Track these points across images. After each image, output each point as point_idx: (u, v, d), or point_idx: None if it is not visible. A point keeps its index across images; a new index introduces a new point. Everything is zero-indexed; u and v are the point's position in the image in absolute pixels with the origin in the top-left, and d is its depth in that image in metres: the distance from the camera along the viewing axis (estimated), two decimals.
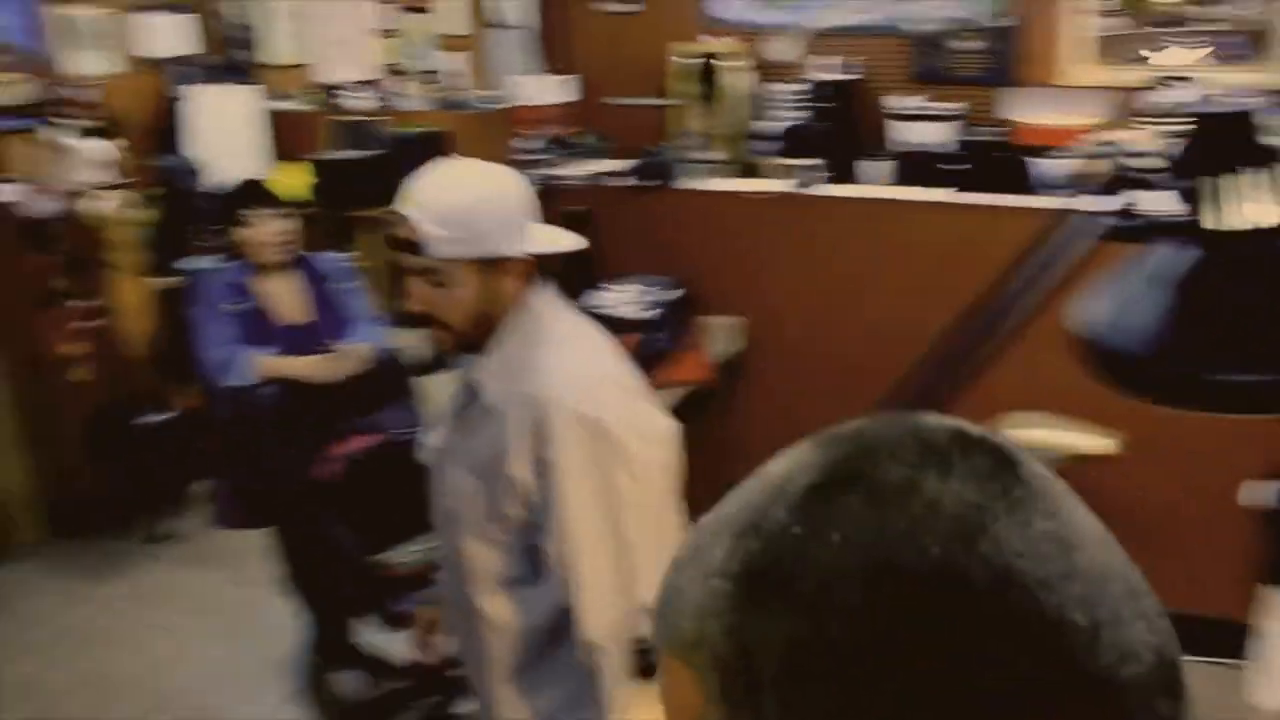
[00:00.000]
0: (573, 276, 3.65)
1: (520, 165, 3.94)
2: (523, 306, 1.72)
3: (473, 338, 1.73)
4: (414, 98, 7.17)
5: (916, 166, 3.81)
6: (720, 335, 3.62)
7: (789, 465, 0.57)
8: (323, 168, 6.34)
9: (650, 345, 3.42)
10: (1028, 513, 0.52)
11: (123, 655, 3.90)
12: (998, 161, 3.69)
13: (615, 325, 3.40)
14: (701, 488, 3.84)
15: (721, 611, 0.53)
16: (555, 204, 3.78)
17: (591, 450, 1.61)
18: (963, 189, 3.64)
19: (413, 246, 1.66)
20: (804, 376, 3.58)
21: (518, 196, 1.72)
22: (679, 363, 3.47)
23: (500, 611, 1.70)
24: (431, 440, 1.95)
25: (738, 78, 4.55)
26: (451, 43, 8.93)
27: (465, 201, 1.66)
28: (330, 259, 3.50)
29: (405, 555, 3.19)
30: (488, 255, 1.67)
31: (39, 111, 5.33)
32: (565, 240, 1.80)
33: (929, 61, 4.23)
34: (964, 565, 0.50)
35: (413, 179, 1.70)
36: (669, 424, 1.75)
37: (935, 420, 0.56)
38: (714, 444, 3.77)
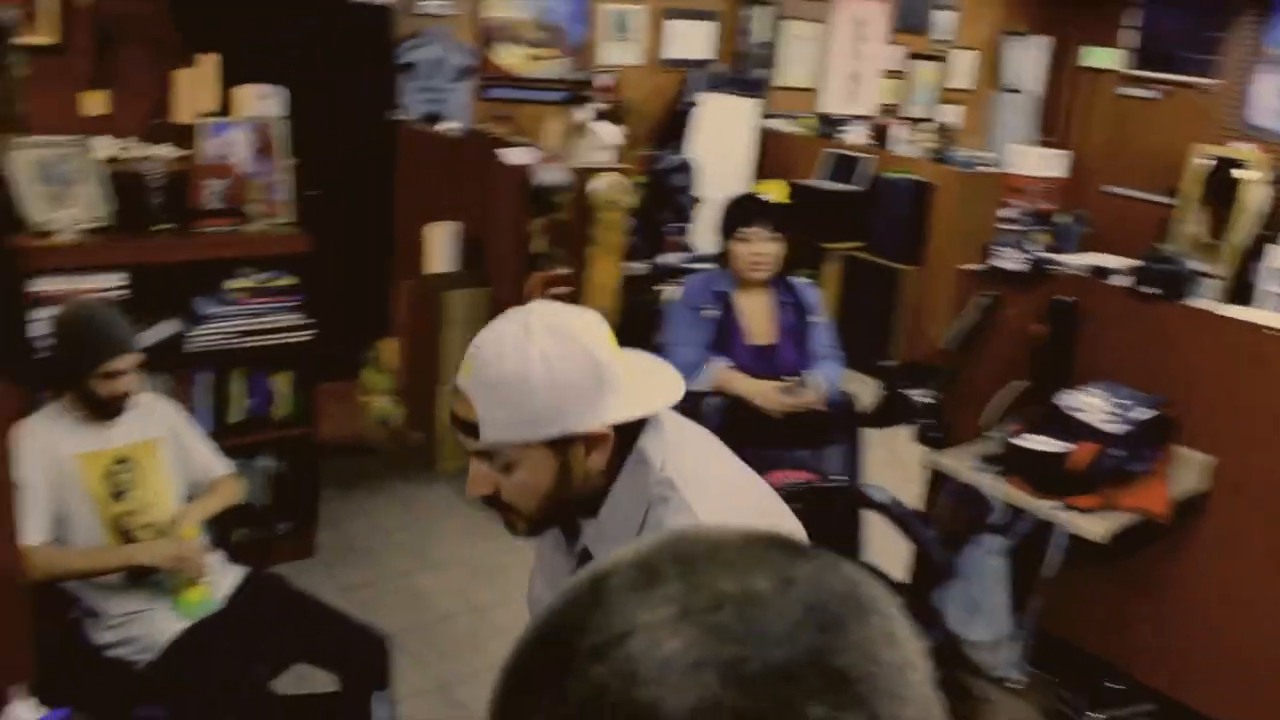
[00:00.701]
0: (1046, 370, 3.48)
1: (1003, 235, 3.82)
2: (628, 465, 1.47)
3: (553, 518, 1.51)
4: (906, 143, 7.17)
5: None
6: (1189, 470, 3.33)
7: None
8: (801, 193, 6.47)
9: (1107, 460, 3.20)
10: None
11: (516, 594, 4.16)
12: None
13: (1077, 430, 3.23)
14: (1137, 627, 3.55)
15: None
16: (1041, 286, 3.64)
17: None
18: None
19: (469, 427, 1.41)
20: (1276, 535, 3.22)
21: (589, 364, 1.40)
22: (1135, 488, 3.23)
23: None
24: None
25: (1256, 191, 4.16)
26: (953, 96, 8.89)
27: (523, 377, 1.37)
28: (807, 287, 3.54)
29: None
30: (554, 437, 1.41)
31: (567, 89, 5.80)
32: (658, 399, 1.48)
33: None
34: None
35: (477, 344, 1.43)
36: None
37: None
38: (1156, 585, 3.49)
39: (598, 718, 0.58)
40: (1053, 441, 3.27)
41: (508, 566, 4.39)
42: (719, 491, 1.47)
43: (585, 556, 1.51)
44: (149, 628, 2.65)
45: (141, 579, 2.68)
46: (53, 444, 2.62)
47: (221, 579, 2.82)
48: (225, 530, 2.83)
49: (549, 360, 1.38)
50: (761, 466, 3.30)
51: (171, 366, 3.77)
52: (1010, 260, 3.75)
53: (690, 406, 3.28)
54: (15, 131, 3.47)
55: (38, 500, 2.55)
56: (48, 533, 2.58)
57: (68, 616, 2.67)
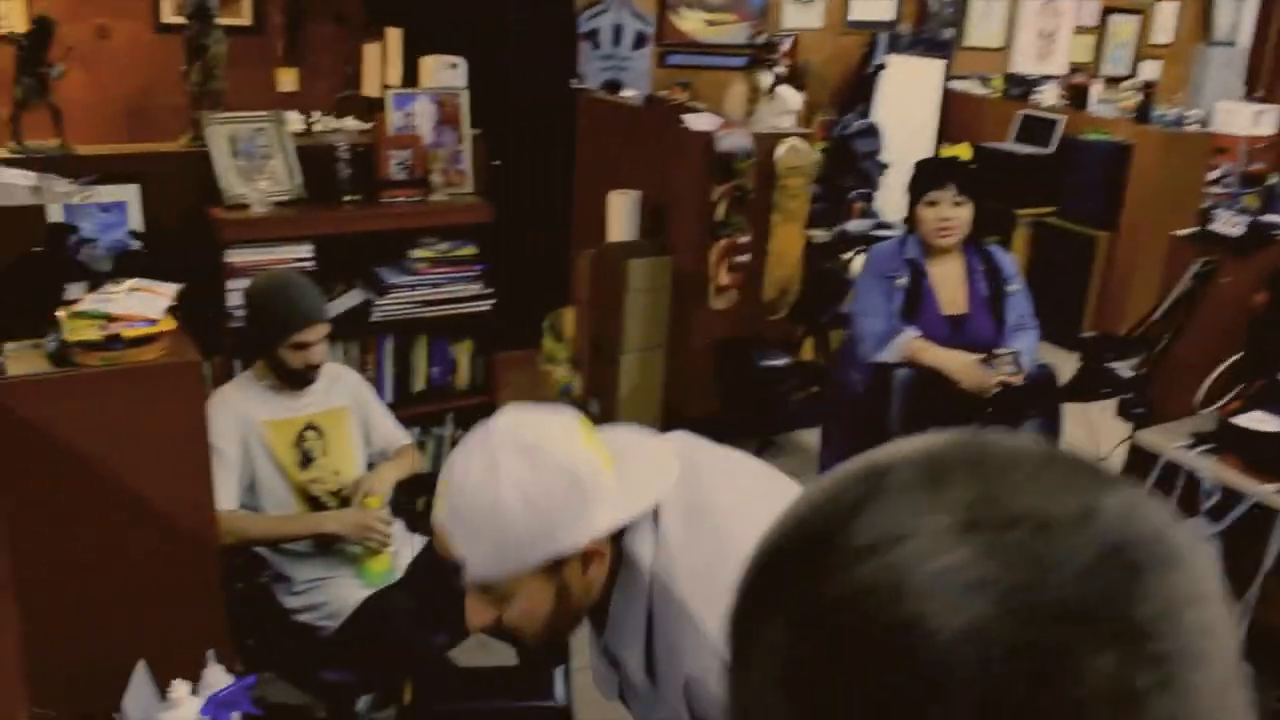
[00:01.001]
0: (1266, 343, 3.21)
1: (1214, 198, 3.53)
2: (621, 571, 1.37)
3: (563, 634, 1.42)
4: (1101, 103, 6.77)
5: None
6: None
7: None
8: (988, 156, 6.19)
9: None
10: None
11: None
12: None
13: None
14: None
15: None
16: (1260, 252, 3.35)
17: None
18: None
19: (456, 565, 1.32)
20: None
21: (566, 480, 1.28)
22: None
23: None
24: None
25: None
26: (1153, 51, 8.36)
27: (497, 509, 1.26)
28: (1002, 253, 3.35)
29: None
30: (544, 563, 1.31)
31: (748, 54, 5.67)
32: (649, 493, 1.35)
33: None
34: None
35: (448, 468, 1.33)
36: None
37: None
38: None
39: (850, 626, 0.52)
40: (1273, 419, 3.01)
41: None
42: (719, 561, 1.28)
43: (611, 656, 1.44)
44: (334, 594, 2.69)
45: (327, 547, 2.73)
46: (245, 412, 2.69)
47: (403, 548, 2.85)
48: (407, 499, 2.85)
49: (522, 486, 1.27)
50: None
51: (357, 335, 3.84)
52: (1227, 224, 3.47)
53: (880, 379, 3.19)
54: (214, 107, 3.57)
55: (230, 467, 2.61)
56: (239, 499, 2.64)
57: (258, 581, 2.74)
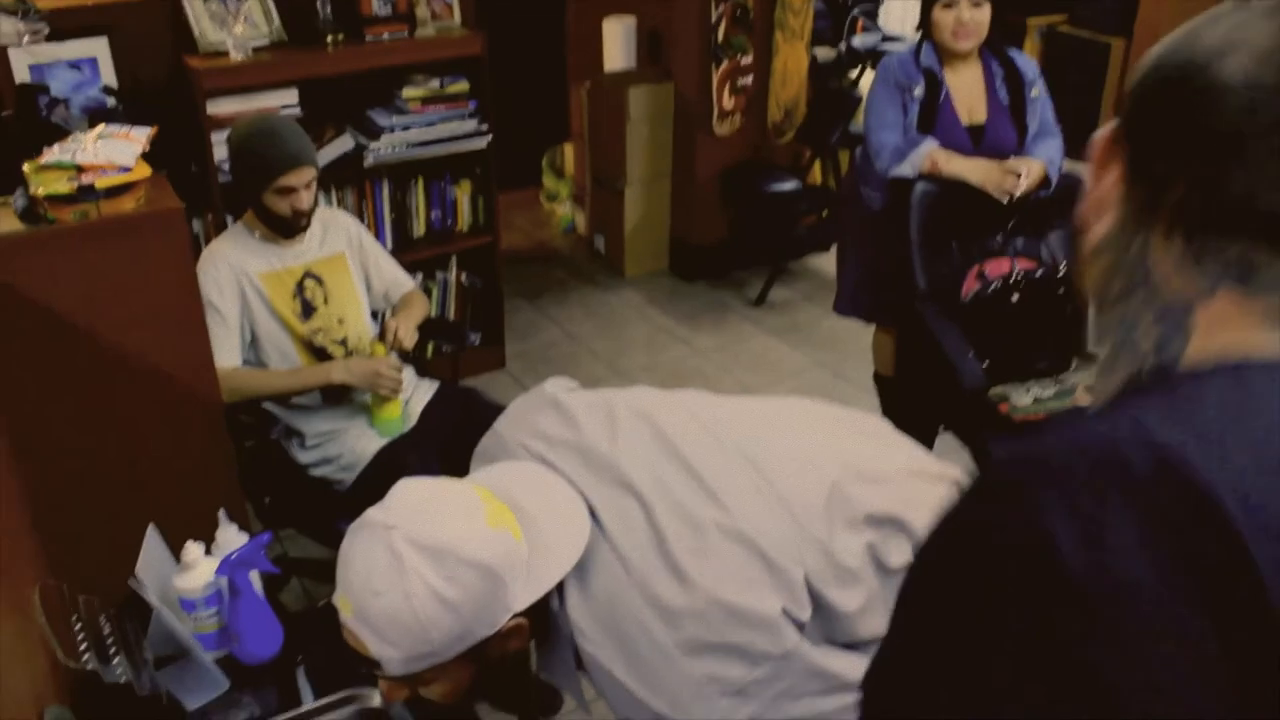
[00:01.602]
0: None
1: None
2: (541, 621, 1.32)
3: (480, 698, 1.40)
4: None
5: None
6: None
7: None
8: None
9: None
10: None
11: None
12: None
13: None
14: None
15: None
16: None
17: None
18: None
19: (370, 662, 1.25)
20: None
21: (480, 574, 1.21)
22: None
23: None
24: None
25: None
26: None
27: (411, 616, 1.19)
28: (1023, 58, 3.17)
29: (1025, 398, 2.95)
30: (463, 651, 1.25)
31: None
32: (567, 553, 1.29)
33: None
34: None
35: (345, 567, 1.23)
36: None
37: None
38: None
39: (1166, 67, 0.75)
40: None
41: (701, 370, 4.29)
42: (615, 611, 1.28)
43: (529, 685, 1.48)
44: (347, 446, 2.64)
45: (338, 399, 2.66)
46: (239, 265, 2.58)
47: (415, 395, 2.79)
48: (416, 345, 2.77)
49: (435, 591, 1.19)
50: (977, 256, 3.07)
51: (351, 182, 3.71)
52: None
53: (898, 195, 3.05)
54: None
55: (228, 323, 2.53)
56: (241, 356, 2.57)
57: (270, 438, 2.68)
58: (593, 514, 1.35)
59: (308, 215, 2.61)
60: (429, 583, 1.19)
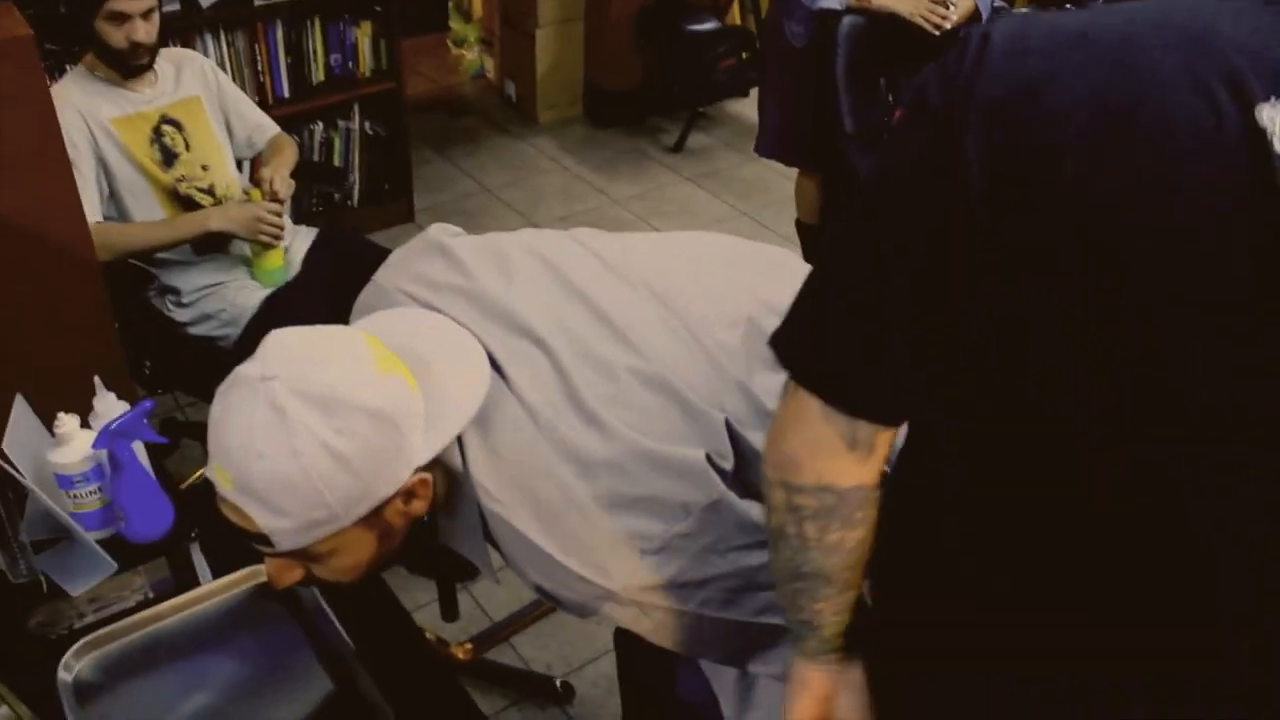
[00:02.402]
0: None
1: None
2: (441, 481, 1.20)
3: (382, 569, 1.25)
4: None
5: None
6: None
7: None
8: None
9: None
10: None
11: None
12: None
13: None
14: None
15: None
16: None
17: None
18: None
19: (255, 536, 1.11)
20: None
21: (376, 423, 1.07)
22: None
23: None
24: None
25: None
26: None
27: (302, 476, 1.05)
28: None
29: None
30: (364, 515, 1.12)
31: None
32: (468, 400, 1.16)
33: None
34: None
35: (219, 431, 1.08)
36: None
37: None
38: None
39: None
40: None
41: (620, 220, 4.15)
42: (524, 467, 1.15)
43: (446, 551, 1.31)
44: (227, 300, 2.47)
45: (213, 251, 2.48)
46: (88, 110, 2.35)
47: (295, 243, 2.62)
48: (298, 191, 2.58)
49: (326, 445, 1.05)
50: (906, 94, 2.94)
51: (241, 23, 3.44)
52: None
53: (824, 31, 2.89)
54: None
55: (84, 174, 2.30)
56: (102, 211, 2.36)
57: (146, 298, 2.50)
58: (492, 362, 1.21)
59: (149, 51, 2.38)
60: (319, 436, 1.04)
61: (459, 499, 1.21)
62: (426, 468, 1.14)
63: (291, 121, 3.35)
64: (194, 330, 2.48)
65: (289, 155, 2.64)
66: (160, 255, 2.44)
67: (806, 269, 1.53)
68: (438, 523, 1.28)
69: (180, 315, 2.48)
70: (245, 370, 1.08)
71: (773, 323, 1.32)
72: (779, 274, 1.45)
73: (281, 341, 1.11)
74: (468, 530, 1.23)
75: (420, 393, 1.12)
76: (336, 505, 1.07)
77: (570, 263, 1.32)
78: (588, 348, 1.22)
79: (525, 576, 1.19)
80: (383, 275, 1.38)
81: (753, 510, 1.20)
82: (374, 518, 1.12)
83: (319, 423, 1.04)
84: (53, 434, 1.54)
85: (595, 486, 1.14)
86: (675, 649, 1.24)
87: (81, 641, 1.49)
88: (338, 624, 1.49)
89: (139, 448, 1.61)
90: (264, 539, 1.10)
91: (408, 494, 1.13)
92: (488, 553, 1.28)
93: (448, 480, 1.20)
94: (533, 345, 1.22)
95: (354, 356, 1.10)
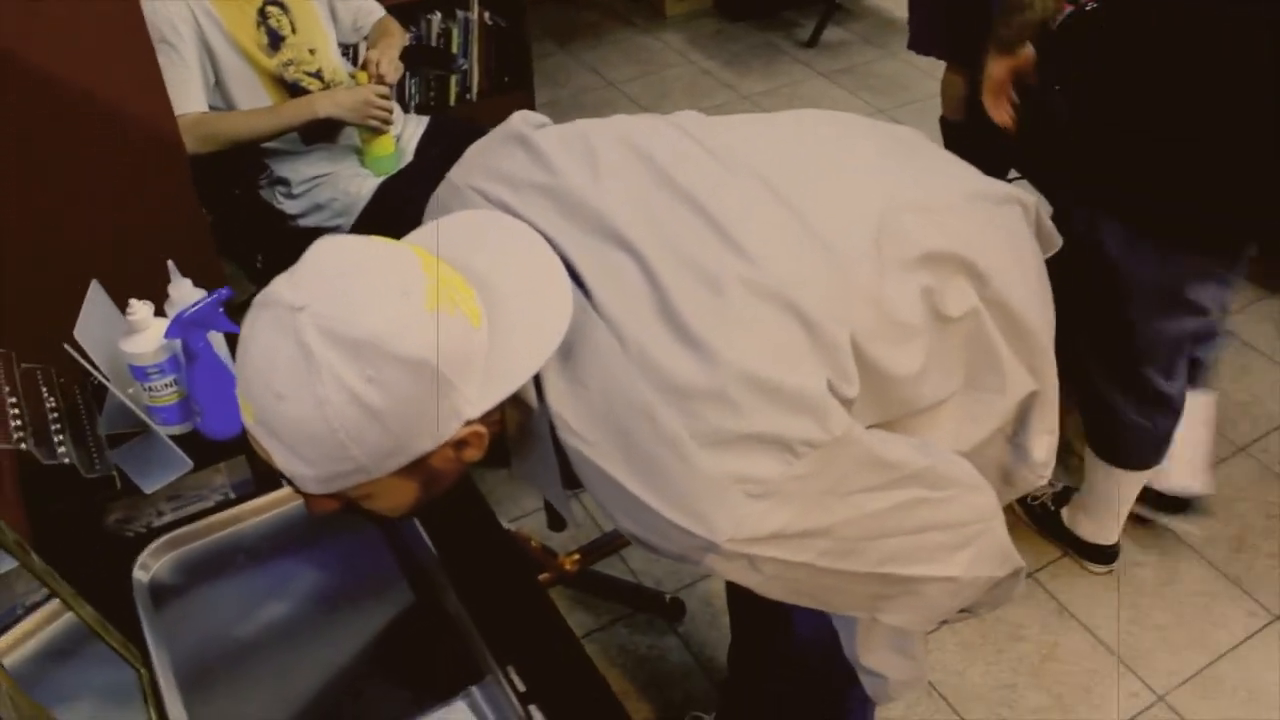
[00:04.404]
0: None
1: None
2: (512, 414, 1.04)
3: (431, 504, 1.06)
4: None
5: None
6: None
7: None
8: None
9: None
10: None
11: None
12: None
13: None
14: None
15: None
16: None
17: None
18: None
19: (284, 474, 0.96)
20: None
21: (412, 372, 0.90)
22: None
23: None
24: None
25: None
26: None
27: (324, 427, 0.89)
28: None
29: None
30: (400, 467, 0.95)
31: None
32: (539, 343, 0.97)
33: None
34: None
35: (243, 357, 0.93)
36: None
37: None
38: None
39: None
40: None
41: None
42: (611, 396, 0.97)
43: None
44: (339, 189, 2.37)
45: (322, 139, 2.37)
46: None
47: (406, 131, 2.50)
48: (411, 81, 2.46)
49: (354, 396, 0.88)
50: None
51: None
52: None
53: None
54: None
55: (188, 62, 2.20)
56: (207, 99, 2.26)
57: (255, 190, 2.42)
58: (574, 275, 1.02)
59: None
60: (347, 385, 0.88)
61: (533, 436, 1.05)
62: (488, 422, 0.98)
63: (408, 11, 3.22)
64: (304, 222, 2.40)
65: (396, 38, 2.51)
66: (268, 145, 2.35)
67: (943, 155, 1.34)
68: (510, 460, 1.13)
69: (290, 207, 2.40)
70: (278, 289, 0.92)
71: (906, 219, 1.13)
72: (914, 161, 1.25)
73: (321, 262, 0.94)
74: (544, 470, 1.08)
75: (485, 332, 0.95)
76: (364, 459, 0.92)
77: (669, 152, 1.12)
78: (688, 254, 1.02)
79: (616, 521, 1.02)
80: (458, 171, 1.20)
81: (880, 446, 1.03)
82: (415, 466, 0.96)
83: (349, 370, 0.88)
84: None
85: (694, 421, 0.95)
86: (788, 601, 1.08)
87: (160, 540, 1.42)
88: (423, 532, 1.39)
89: (218, 340, 1.52)
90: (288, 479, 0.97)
91: (458, 444, 0.97)
92: (567, 497, 1.13)
93: (520, 413, 1.04)
94: (622, 252, 1.03)
95: (401, 291, 0.91)
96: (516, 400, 1.00)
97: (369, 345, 0.88)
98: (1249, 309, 3.02)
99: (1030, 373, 1.23)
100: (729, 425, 0.95)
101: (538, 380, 1.00)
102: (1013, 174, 2.90)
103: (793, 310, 1.00)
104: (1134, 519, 2.40)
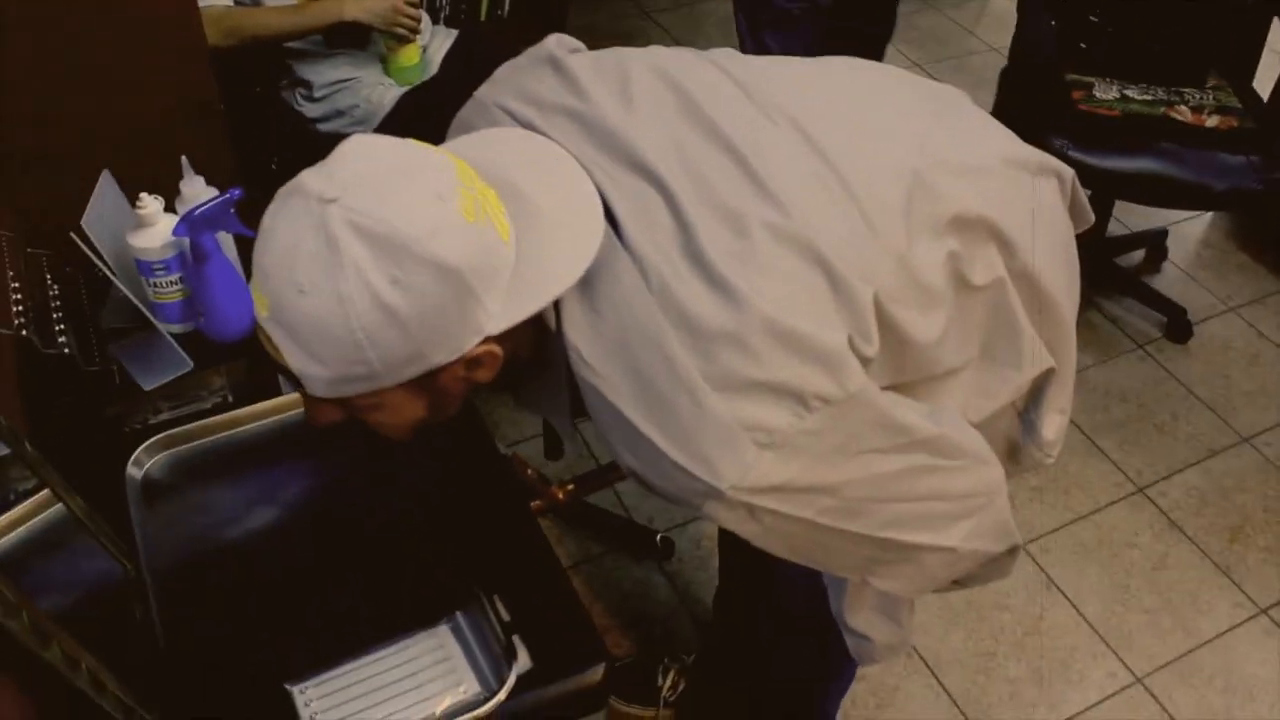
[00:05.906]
0: None
1: None
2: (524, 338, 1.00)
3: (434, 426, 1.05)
4: None
5: None
6: None
7: None
8: None
9: None
10: None
11: None
12: None
13: None
14: None
15: None
16: None
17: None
18: None
19: (292, 374, 0.94)
20: None
21: (439, 276, 0.87)
22: None
23: None
24: None
25: None
26: None
27: (342, 326, 0.87)
28: None
29: (1110, 91, 2.55)
30: (412, 378, 0.93)
31: None
32: (566, 265, 0.95)
33: None
34: None
35: (264, 247, 0.90)
36: None
37: None
38: None
39: None
40: None
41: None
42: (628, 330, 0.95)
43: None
44: (361, 96, 2.33)
45: (347, 44, 2.32)
46: None
47: (433, 42, 2.45)
48: None
49: (378, 296, 0.86)
50: None
51: None
52: None
53: None
54: None
55: None
56: None
57: (275, 90, 2.37)
58: (602, 203, 1.00)
59: None
60: (371, 284, 0.86)
61: (546, 361, 1.04)
62: (502, 335, 0.95)
63: None
64: (324, 127, 2.35)
65: None
66: (292, 45, 2.30)
67: (983, 117, 1.31)
68: (518, 384, 1.12)
69: (310, 110, 2.36)
70: (308, 180, 0.89)
71: (940, 179, 1.10)
72: (952, 119, 1.22)
73: (356, 156, 0.91)
74: (553, 398, 1.06)
75: (513, 247, 0.93)
76: (379, 364, 0.90)
77: (705, 90, 1.09)
78: (716, 194, 1.00)
79: (618, 456, 1.00)
80: (486, 89, 1.17)
81: (894, 408, 1.01)
82: (425, 380, 0.94)
83: (374, 268, 0.86)
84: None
85: (710, 363, 0.93)
86: (783, 556, 1.07)
87: (155, 438, 1.41)
88: (419, 452, 1.38)
89: (227, 241, 1.49)
90: (295, 379, 0.95)
91: (471, 361, 0.95)
92: (574, 428, 1.11)
93: (535, 336, 1.02)
94: (649, 185, 1.01)
95: (436, 195, 0.89)
96: (536, 321, 0.98)
97: (399, 245, 0.86)
98: (1267, 300, 2.99)
99: (1050, 349, 1.21)
100: (745, 371, 0.93)
101: (557, 306, 0.98)
102: None
103: (820, 263, 0.98)
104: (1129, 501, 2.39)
